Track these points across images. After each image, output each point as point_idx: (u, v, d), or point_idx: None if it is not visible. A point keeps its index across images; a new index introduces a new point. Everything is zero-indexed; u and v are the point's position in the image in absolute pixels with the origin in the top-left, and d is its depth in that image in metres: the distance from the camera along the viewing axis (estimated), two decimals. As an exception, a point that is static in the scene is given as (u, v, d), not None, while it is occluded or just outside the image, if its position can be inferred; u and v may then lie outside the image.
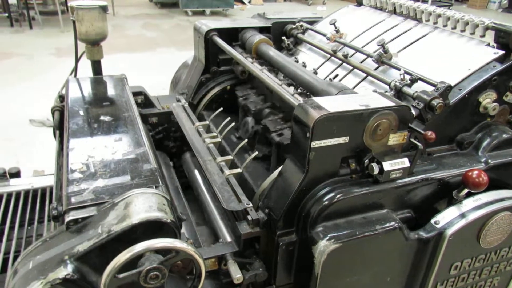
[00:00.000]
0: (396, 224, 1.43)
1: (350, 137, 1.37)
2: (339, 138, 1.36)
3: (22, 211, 2.01)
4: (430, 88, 1.61)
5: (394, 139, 1.42)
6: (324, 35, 2.22)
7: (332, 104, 1.37)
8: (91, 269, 1.12)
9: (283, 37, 2.41)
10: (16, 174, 2.35)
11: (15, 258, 1.75)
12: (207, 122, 2.15)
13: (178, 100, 2.39)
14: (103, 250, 1.12)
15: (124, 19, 10.01)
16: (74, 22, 2.11)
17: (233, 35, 2.37)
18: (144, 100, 2.32)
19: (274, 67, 2.03)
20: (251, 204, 1.55)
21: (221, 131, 2.05)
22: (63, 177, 1.40)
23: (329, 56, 2.16)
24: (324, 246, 1.36)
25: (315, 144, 1.33)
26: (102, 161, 1.44)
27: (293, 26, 2.45)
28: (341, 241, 1.36)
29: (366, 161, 1.42)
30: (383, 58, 1.80)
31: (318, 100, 1.40)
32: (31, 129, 4.90)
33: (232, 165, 1.83)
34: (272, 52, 2.12)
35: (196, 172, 2.24)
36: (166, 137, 2.38)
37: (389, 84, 1.69)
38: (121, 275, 1.06)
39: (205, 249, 1.46)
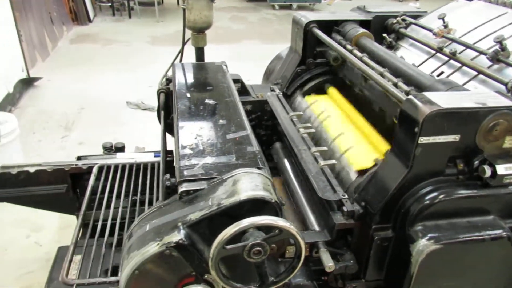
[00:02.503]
0: (504, 233, 1.35)
1: (461, 136, 1.31)
2: (449, 136, 1.31)
3: (127, 182, 2.20)
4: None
5: (511, 141, 1.33)
6: (430, 30, 2.13)
7: (444, 100, 1.32)
8: (199, 238, 1.20)
9: (384, 34, 2.35)
10: (121, 149, 2.57)
11: (121, 224, 1.94)
12: (301, 113, 2.18)
13: (272, 90, 2.44)
14: (212, 221, 1.20)
15: (214, 11, 10.40)
16: (184, 10, 2.24)
17: (332, 28, 2.36)
18: (240, 88, 2.41)
19: (375, 61, 1.99)
20: (346, 196, 1.55)
21: (316, 122, 2.06)
22: (175, 152, 1.51)
23: (434, 52, 2.07)
24: (423, 245, 1.32)
25: (423, 140, 1.30)
26: (209, 140, 1.54)
27: (395, 21, 2.38)
28: (442, 242, 1.32)
29: (476, 162, 1.35)
30: (499, 56, 1.69)
31: (429, 95, 1.35)
32: (128, 110, 5.31)
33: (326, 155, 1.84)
34: (374, 45, 2.08)
35: (286, 161, 2.28)
36: (258, 125, 2.44)
37: (505, 84, 1.58)
38: (228, 247, 1.13)
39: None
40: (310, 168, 1.72)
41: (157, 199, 2.07)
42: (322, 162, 1.74)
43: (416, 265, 1.33)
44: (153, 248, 1.15)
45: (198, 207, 1.22)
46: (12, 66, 5.39)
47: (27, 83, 5.77)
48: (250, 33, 8.89)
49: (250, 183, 1.24)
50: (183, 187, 1.28)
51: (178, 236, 1.16)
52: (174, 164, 1.42)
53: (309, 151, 1.83)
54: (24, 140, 4.09)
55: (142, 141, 3.95)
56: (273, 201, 1.21)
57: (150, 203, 2.04)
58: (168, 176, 1.43)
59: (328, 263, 1.41)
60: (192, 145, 1.50)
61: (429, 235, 1.34)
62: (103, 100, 5.50)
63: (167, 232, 1.18)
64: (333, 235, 1.51)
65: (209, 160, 1.41)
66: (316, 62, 2.39)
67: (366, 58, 1.93)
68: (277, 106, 2.24)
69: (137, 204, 2.06)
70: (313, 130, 1.99)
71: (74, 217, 2.74)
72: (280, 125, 2.10)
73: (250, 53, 7.35)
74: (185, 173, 1.33)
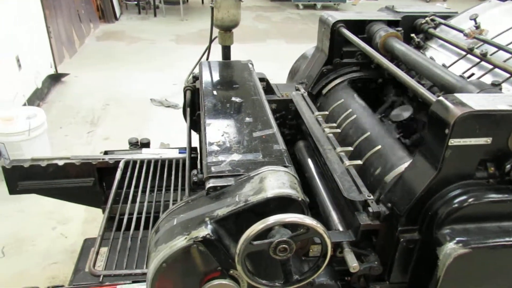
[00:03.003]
0: (537, 239, 1.31)
1: (493, 139, 1.28)
2: (481, 138, 1.28)
3: (152, 177, 2.24)
4: None
5: (546, 146, 1.30)
6: (460, 31, 2.09)
7: (476, 101, 1.29)
8: (226, 233, 1.22)
9: (412, 34, 2.31)
10: (146, 144, 2.62)
11: (146, 219, 1.97)
12: (326, 112, 2.17)
13: (297, 89, 2.44)
14: (238, 217, 1.21)
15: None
16: (212, 8, 2.26)
17: (359, 28, 2.35)
18: (265, 87, 2.41)
19: (403, 63, 1.96)
20: (372, 196, 1.54)
21: (341, 122, 2.05)
22: (202, 148, 1.53)
23: (464, 53, 2.03)
24: (451, 249, 1.30)
25: (453, 142, 1.28)
26: (236, 137, 1.55)
27: (424, 21, 2.34)
28: (470, 246, 1.29)
29: (508, 166, 1.32)
30: (533, 58, 1.64)
31: (460, 96, 1.33)
32: (152, 107, 5.39)
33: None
34: (403, 46, 2.05)
35: (309, 160, 2.28)
36: (282, 124, 2.45)
37: (540, 87, 1.54)
38: (255, 243, 1.14)
39: (323, 234, 1.49)
40: (335, 168, 1.71)
41: (182, 194, 2.10)
42: (347, 162, 1.73)
43: (443, 268, 1.31)
44: (180, 242, 1.17)
45: (225, 203, 1.23)
46: (41, 62, 5.55)
47: (55, 78, 5.93)
48: (274, 32, 8.90)
49: (277, 181, 1.25)
50: (210, 183, 1.30)
51: (205, 231, 1.18)
52: (201, 160, 1.43)
53: (334, 151, 1.83)
54: (51, 135, 4.20)
55: (165, 137, 4.02)
56: (299, 199, 1.22)
57: (175, 199, 2.08)
58: (195, 171, 1.45)
59: (353, 263, 1.40)
60: (219, 142, 1.51)
61: (457, 238, 1.31)
62: (128, 97, 5.60)
63: (195, 226, 1.20)
64: (357, 236, 1.50)
65: (236, 157, 1.43)
66: (342, 62, 2.38)
67: (396, 53, 1.89)
68: (302, 106, 2.23)
69: (162, 199, 2.09)
70: (338, 130, 1.98)
71: (99, 210, 2.81)
72: (305, 124, 2.10)
73: (274, 53, 7.35)
74: (213, 169, 1.35)
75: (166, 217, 1.32)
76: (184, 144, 2.57)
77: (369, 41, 2.23)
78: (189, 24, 9.22)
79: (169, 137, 4.04)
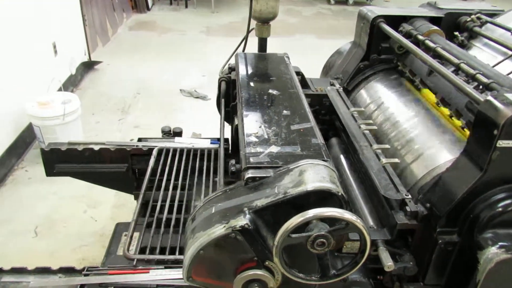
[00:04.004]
0: None
1: (544, 142, 1.24)
2: (531, 141, 1.24)
3: (185, 166, 2.26)
4: None
5: None
6: (508, 29, 2.01)
7: (527, 103, 1.24)
8: (263, 224, 1.22)
9: (455, 32, 2.24)
10: (179, 134, 2.64)
11: (179, 206, 1.99)
12: (362, 108, 2.14)
13: (332, 84, 2.41)
14: (276, 209, 1.21)
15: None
16: (251, 0, 2.25)
17: (399, 24, 2.29)
18: (300, 80, 2.39)
19: (447, 60, 1.91)
20: (410, 195, 1.51)
21: (377, 119, 2.02)
22: (240, 138, 1.53)
23: (511, 53, 1.96)
24: (493, 253, 1.26)
25: (502, 143, 1.23)
26: (274, 130, 1.54)
27: (469, 19, 2.26)
28: (514, 252, 1.25)
29: (558, 171, 1.27)
30: None
31: (511, 96, 1.28)
32: (181, 98, 5.44)
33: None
34: (446, 43, 1.99)
35: (342, 157, 2.25)
36: (315, 119, 2.42)
37: None
38: (293, 235, 1.14)
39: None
40: (371, 165, 1.69)
41: (214, 184, 2.11)
42: (384, 160, 1.70)
43: (483, 273, 1.28)
44: (219, 230, 1.18)
45: (264, 194, 1.23)
46: (76, 49, 5.67)
47: (88, 66, 6.05)
48: (304, 27, 8.81)
49: (317, 175, 1.24)
50: (249, 174, 1.30)
51: (244, 220, 1.18)
52: (233, 151, 1.43)
53: (371, 147, 1.80)
54: (83, 120, 4.30)
55: (194, 128, 4.05)
56: (339, 194, 1.20)
57: (207, 188, 2.09)
58: (233, 161, 1.46)
59: (388, 262, 1.38)
60: (257, 133, 1.51)
61: (500, 243, 1.28)
62: (158, 87, 5.67)
63: (233, 216, 1.20)
64: (393, 235, 1.47)
65: (274, 149, 1.42)
66: (380, 58, 2.33)
67: (440, 49, 1.84)
68: (338, 101, 2.21)
69: (194, 188, 2.11)
70: (374, 127, 1.95)
71: (128, 196, 2.86)
72: (339, 119, 2.07)
73: (303, 48, 7.28)
74: (251, 160, 1.35)
75: (204, 205, 1.33)
76: (213, 135, 2.60)
77: (408, 37, 2.17)
78: (220, 17, 9.23)
79: (198, 128, 4.08)
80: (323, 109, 2.40)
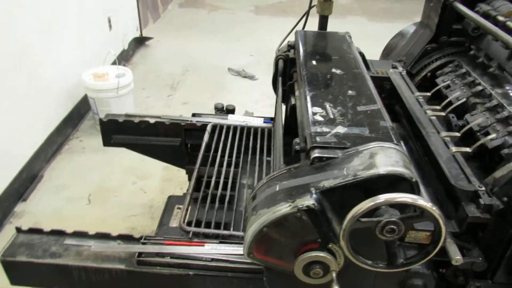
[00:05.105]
0: None
1: None
2: None
3: (238, 143, 2.24)
4: None
5: None
6: None
7: None
8: (330, 206, 1.17)
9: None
10: (232, 111, 2.63)
11: (232, 183, 1.99)
12: (428, 94, 2.02)
13: (395, 67, 2.30)
14: (344, 191, 1.16)
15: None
16: (315, -25, 2.16)
17: (475, 4, 2.13)
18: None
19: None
20: (483, 188, 1.41)
21: (446, 106, 1.90)
22: (304, 117, 1.49)
23: None
24: None
25: None
26: (339, 110, 1.48)
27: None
28: None
29: None
30: None
31: None
32: (229, 77, 5.43)
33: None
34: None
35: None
36: (374, 102, 2.33)
37: None
38: (363, 219, 1.09)
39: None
40: (440, 153, 1.59)
41: (268, 162, 2.09)
42: (453, 149, 1.60)
43: None
44: (284, 208, 1.15)
45: (332, 175, 1.18)
46: (129, 24, 5.77)
47: (140, 41, 6.16)
48: (356, 9, 8.52)
49: (389, 158, 1.17)
50: (315, 153, 1.25)
51: (310, 200, 1.14)
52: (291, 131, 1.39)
53: (438, 135, 1.70)
54: (134, 95, 4.38)
55: (243, 107, 4.04)
56: (413, 180, 1.13)
57: (261, 166, 2.07)
58: (297, 140, 1.41)
59: (456, 255, 1.30)
60: (322, 112, 1.46)
61: None
62: (206, 64, 5.69)
63: (299, 195, 1.17)
64: (462, 228, 1.39)
65: (340, 129, 1.37)
66: (450, 41, 2.19)
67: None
68: (401, 85, 2.10)
69: (248, 166, 2.09)
70: (442, 113, 1.84)
71: (176, 170, 2.90)
72: (403, 104, 1.97)
73: (354, 30, 7.02)
74: (318, 139, 1.30)
75: (267, 182, 1.30)
76: (262, 114, 2.56)
77: (486, 18, 2.01)
78: (269, -4, 9.10)
79: (246, 107, 4.06)
80: (383, 92, 2.28)
